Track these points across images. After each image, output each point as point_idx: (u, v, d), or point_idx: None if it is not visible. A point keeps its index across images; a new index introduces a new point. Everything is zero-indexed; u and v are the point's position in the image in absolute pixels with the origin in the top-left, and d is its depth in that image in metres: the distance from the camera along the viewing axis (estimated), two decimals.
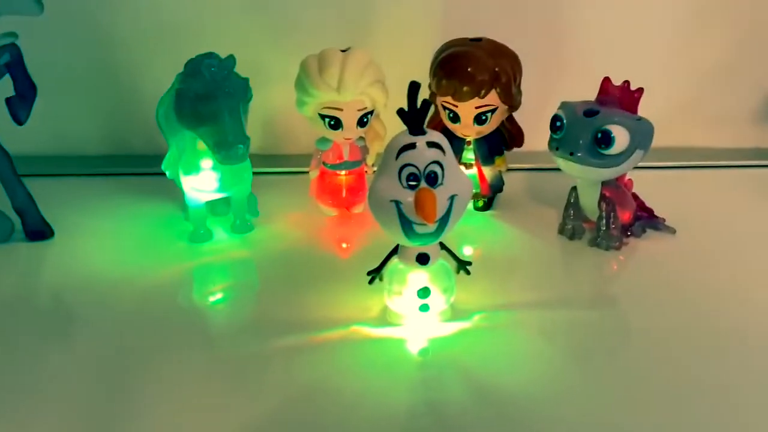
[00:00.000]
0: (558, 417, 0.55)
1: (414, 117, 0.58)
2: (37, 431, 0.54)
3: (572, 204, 0.79)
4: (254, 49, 0.94)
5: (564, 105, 0.73)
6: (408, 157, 0.58)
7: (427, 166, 0.58)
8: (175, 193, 0.80)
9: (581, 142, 0.71)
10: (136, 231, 0.82)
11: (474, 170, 0.83)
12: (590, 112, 0.71)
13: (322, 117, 0.78)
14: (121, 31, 0.95)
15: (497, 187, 0.85)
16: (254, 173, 0.81)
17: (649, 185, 0.84)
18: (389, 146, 0.59)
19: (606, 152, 0.70)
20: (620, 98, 0.73)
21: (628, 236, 0.78)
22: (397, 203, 0.58)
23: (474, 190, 0.84)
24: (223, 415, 0.56)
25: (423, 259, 0.62)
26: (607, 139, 0.69)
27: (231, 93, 0.71)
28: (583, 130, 0.71)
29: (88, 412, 0.56)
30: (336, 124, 0.78)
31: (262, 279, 0.75)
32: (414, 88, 0.57)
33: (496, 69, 0.76)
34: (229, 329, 0.66)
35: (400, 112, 0.58)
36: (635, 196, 0.80)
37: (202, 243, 0.79)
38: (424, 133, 0.59)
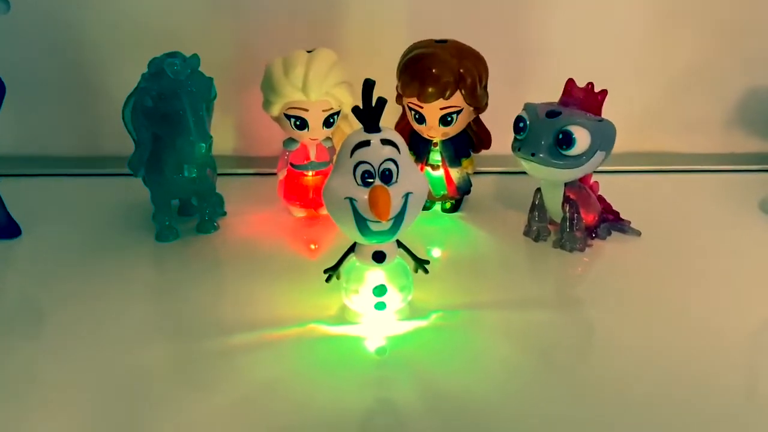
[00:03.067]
0: (514, 417, 0.55)
1: (369, 114, 0.58)
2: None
3: (537, 206, 0.79)
4: (224, 49, 0.95)
5: (527, 106, 0.74)
6: (362, 154, 0.58)
7: (381, 164, 0.58)
8: (142, 192, 0.80)
9: (543, 142, 0.71)
10: (104, 231, 0.82)
11: (441, 172, 0.83)
12: (552, 113, 0.72)
13: (288, 117, 0.78)
14: (91, 30, 0.94)
15: (464, 189, 0.85)
16: (225, 174, 0.81)
17: (617, 189, 0.84)
18: (344, 144, 0.59)
19: (567, 153, 0.70)
20: (583, 100, 0.73)
21: (593, 238, 0.78)
22: (352, 200, 0.58)
23: (441, 192, 0.84)
24: (173, 411, 0.56)
25: (379, 257, 0.63)
26: (568, 140, 0.70)
27: (194, 92, 0.71)
28: (545, 131, 0.71)
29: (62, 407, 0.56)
30: (302, 124, 0.78)
31: (224, 278, 0.75)
32: (369, 85, 0.57)
33: (461, 70, 0.76)
34: (190, 327, 0.66)
35: (355, 110, 0.58)
36: (601, 199, 0.81)
37: (168, 241, 0.79)
38: (379, 130, 0.59)
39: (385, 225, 0.59)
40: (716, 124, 1.03)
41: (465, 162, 0.83)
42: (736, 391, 0.59)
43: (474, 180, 0.86)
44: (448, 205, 0.86)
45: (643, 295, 0.70)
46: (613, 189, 0.83)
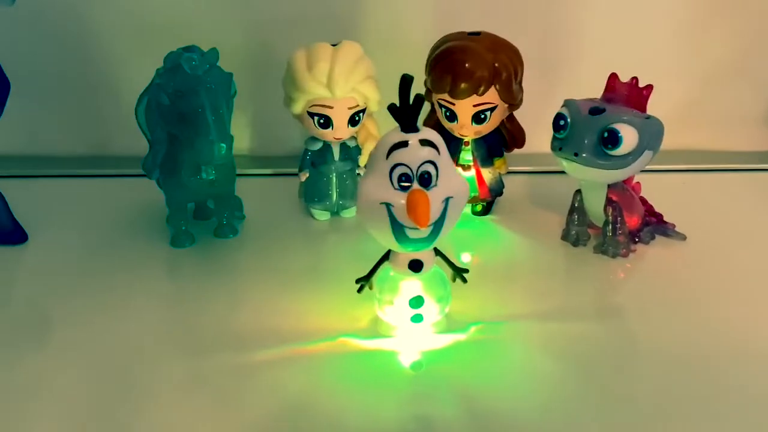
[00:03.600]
0: None
1: (406, 113, 0.54)
2: None
3: (576, 208, 0.74)
4: (239, 43, 0.91)
5: (568, 103, 0.69)
6: (399, 156, 0.54)
7: (420, 166, 0.54)
8: (156, 195, 0.75)
9: (586, 141, 0.66)
10: (115, 235, 0.78)
11: (472, 172, 0.79)
12: (596, 111, 0.67)
13: (311, 115, 0.74)
14: (99, 23, 0.90)
15: (497, 190, 0.80)
16: (243, 175, 0.76)
17: (657, 189, 0.79)
18: (379, 144, 0.55)
19: (613, 153, 0.66)
20: (628, 96, 0.69)
21: (635, 243, 0.74)
22: (388, 206, 0.54)
23: (472, 194, 0.79)
24: (193, 430, 0.52)
25: (416, 266, 0.58)
26: (614, 139, 0.65)
27: (213, 88, 0.66)
28: (589, 129, 0.66)
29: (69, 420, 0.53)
30: (326, 122, 0.74)
31: (245, 286, 0.70)
32: (406, 82, 0.53)
33: (496, 64, 0.72)
34: (209, 339, 0.62)
35: (392, 108, 0.54)
36: (643, 200, 0.76)
37: (184, 247, 0.74)
38: (417, 130, 0.54)
39: (424, 232, 0.55)
40: (757, 120, 0.98)
41: (498, 162, 0.79)
42: None
43: (506, 180, 0.82)
44: (479, 208, 0.81)
45: (689, 304, 0.66)
46: (652, 189, 0.79)
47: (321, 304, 0.65)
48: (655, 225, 0.76)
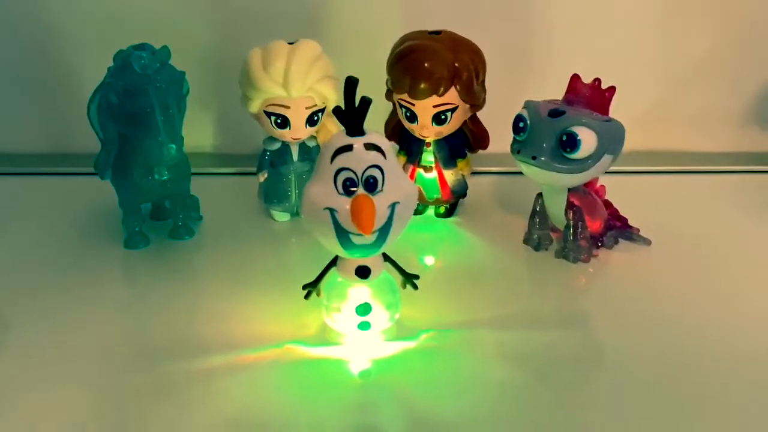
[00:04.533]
0: None
1: (351, 116, 0.52)
2: None
3: (538, 212, 0.72)
4: (203, 39, 0.89)
5: (528, 104, 0.67)
6: (344, 160, 0.52)
7: (365, 171, 0.52)
8: (113, 194, 0.73)
9: (545, 145, 0.65)
10: (70, 235, 0.76)
11: (434, 174, 0.77)
12: (556, 113, 0.65)
13: (268, 115, 0.72)
14: (59, 19, 0.88)
15: (460, 192, 0.79)
16: (206, 174, 0.75)
17: (624, 192, 0.78)
18: (324, 148, 0.54)
19: (571, 156, 0.64)
20: (590, 97, 0.67)
21: (598, 247, 0.72)
22: (332, 211, 0.52)
23: (434, 195, 0.78)
24: None
25: (363, 273, 0.57)
26: (572, 142, 0.63)
27: (163, 88, 0.65)
28: (547, 132, 0.65)
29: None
30: (283, 122, 0.72)
31: (199, 290, 0.68)
32: (351, 84, 0.52)
33: (456, 64, 0.70)
34: (154, 343, 0.60)
35: (337, 111, 0.53)
36: (608, 204, 0.75)
37: (137, 248, 0.73)
38: (362, 133, 0.53)
39: (370, 238, 0.53)
40: (730, 120, 0.96)
41: (461, 163, 0.77)
42: (755, 414, 0.53)
43: (470, 181, 0.80)
44: (442, 210, 0.79)
45: (653, 310, 0.64)
46: (621, 192, 0.77)
47: (272, 309, 0.63)
48: (619, 229, 0.74)
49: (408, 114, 0.73)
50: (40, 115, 0.94)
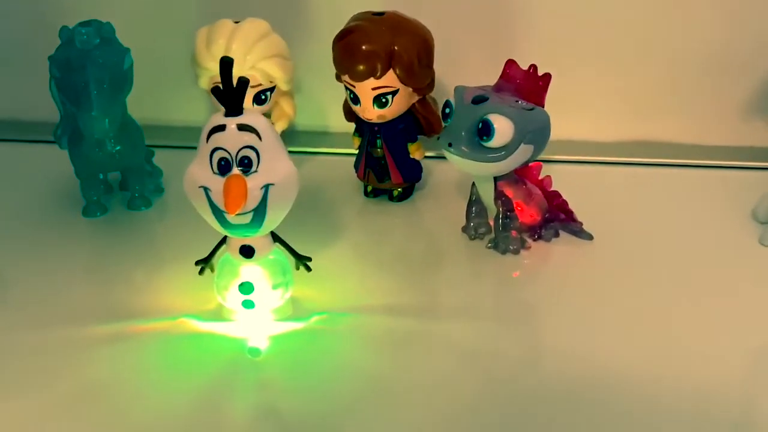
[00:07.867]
0: None
1: (227, 96, 0.53)
2: None
3: (474, 201, 0.70)
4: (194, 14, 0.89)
5: (456, 89, 0.66)
6: (218, 139, 0.53)
7: (239, 151, 0.53)
8: None
9: (463, 132, 0.63)
10: (31, 202, 0.80)
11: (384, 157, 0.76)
12: (479, 99, 0.63)
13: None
14: None
15: (412, 176, 0.77)
16: (180, 147, 0.79)
17: (603, 184, 0.77)
18: (204, 127, 0.54)
19: (486, 144, 0.62)
20: (520, 84, 0.65)
21: (535, 240, 0.70)
22: (206, 190, 0.53)
23: (386, 179, 0.77)
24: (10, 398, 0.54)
25: (247, 252, 0.58)
26: (486, 130, 0.61)
27: (101, 63, 0.67)
28: (467, 119, 0.63)
29: None
30: None
31: (134, 260, 0.70)
32: (226, 64, 0.52)
33: (395, 47, 0.69)
34: (68, 308, 0.63)
35: (215, 91, 0.54)
36: (555, 195, 0.71)
37: (94, 217, 0.76)
38: (240, 113, 0.53)
39: (245, 218, 0.54)
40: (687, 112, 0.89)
41: (411, 147, 0.76)
42: (691, 409, 0.51)
43: (438, 166, 0.79)
44: (395, 193, 0.78)
45: (587, 306, 0.62)
46: (597, 184, 0.75)
47: (175, 282, 0.65)
48: (561, 222, 0.71)
49: (352, 96, 0.73)
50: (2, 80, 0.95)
